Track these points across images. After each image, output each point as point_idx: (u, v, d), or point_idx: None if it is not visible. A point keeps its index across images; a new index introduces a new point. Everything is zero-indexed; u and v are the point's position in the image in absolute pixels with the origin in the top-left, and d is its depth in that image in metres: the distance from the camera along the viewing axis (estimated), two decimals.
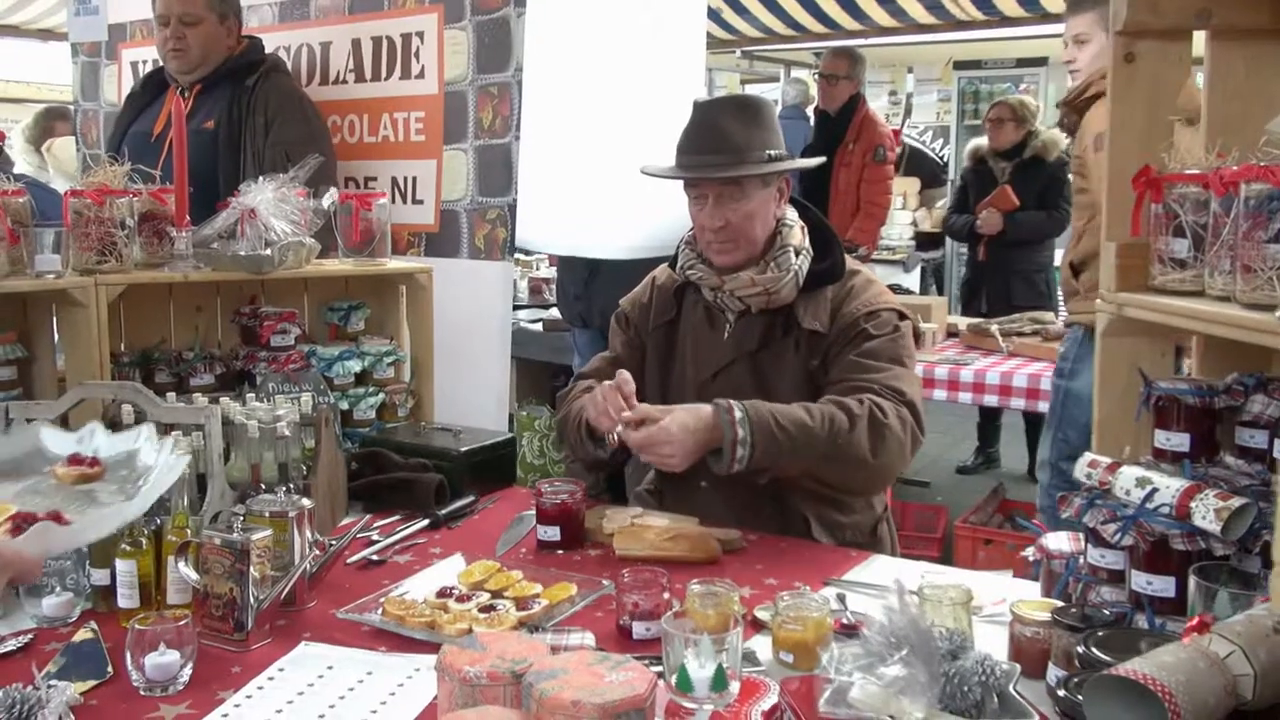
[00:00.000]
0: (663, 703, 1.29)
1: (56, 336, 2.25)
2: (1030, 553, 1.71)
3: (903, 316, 2.21)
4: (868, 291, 2.21)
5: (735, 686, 1.31)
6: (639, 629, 1.60)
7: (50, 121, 5.20)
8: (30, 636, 1.60)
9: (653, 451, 2.02)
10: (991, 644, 1.52)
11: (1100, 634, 1.28)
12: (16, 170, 5.65)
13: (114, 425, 2.04)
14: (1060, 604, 1.50)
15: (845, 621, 1.65)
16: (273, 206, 2.35)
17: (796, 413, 2.03)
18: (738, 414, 2.00)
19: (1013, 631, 1.50)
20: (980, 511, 4.55)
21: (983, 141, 5.69)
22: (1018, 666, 1.24)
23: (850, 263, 2.26)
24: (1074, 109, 3.46)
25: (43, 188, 3.83)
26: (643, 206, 3.50)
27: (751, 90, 11.12)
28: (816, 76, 5.92)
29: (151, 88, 3.27)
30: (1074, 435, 3.49)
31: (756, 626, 1.67)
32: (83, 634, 1.57)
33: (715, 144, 2.12)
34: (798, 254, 2.18)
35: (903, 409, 2.08)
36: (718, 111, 2.16)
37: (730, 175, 2.11)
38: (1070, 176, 4.04)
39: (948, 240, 8.53)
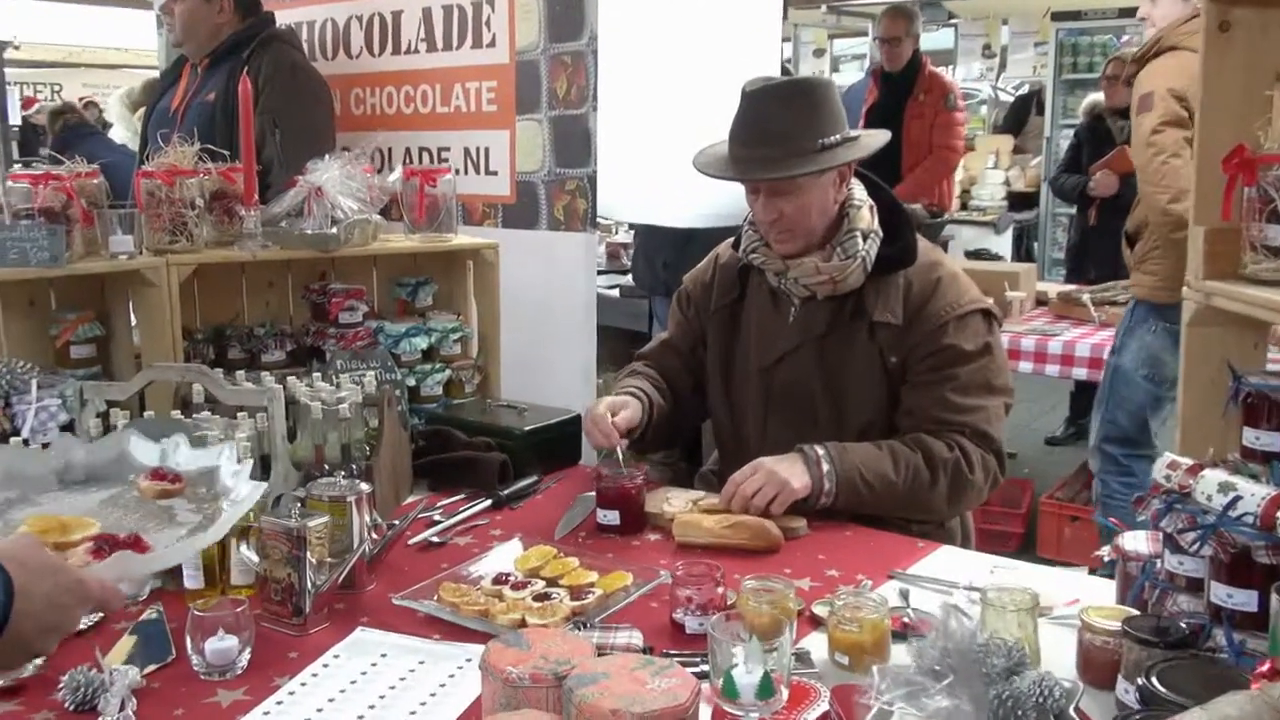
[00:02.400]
0: (709, 709, 1.27)
1: (133, 315, 2.30)
2: (1106, 552, 1.63)
3: (989, 315, 2.12)
4: (955, 287, 2.11)
5: (784, 693, 1.27)
6: (692, 624, 1.58)
7: (146, 93, 5.35)
8: (100, 615, 1.65)
9: (765, 484, 1.96)
10: (1060, 649, 1.46)
11: (1165, 664, 1.20)
12: (114, 133, 5.85)
13: (185, 405, 2.08)
14: (1134, 612, 1.43)
15: (906, 620, 1.60)
16: (339, 184, 2.35)
17: (883, 467, 2.00)
18: (825, 466, 1.98)
19: (1082, 639, 1.43)
20: (1068, 487, 4.42)
21: (1100, 97, 5.50)
22: (1080, 687, 1.18)
23: (928, 250, 2.16)
24: (1140, 65, 3.30)
25: (132, 155, 3.94)
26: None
27: (839, 45, 10.85)
28: (877, 41, 5.85)
29: (177, 65, 3.37)
30: (1122, 417, 3.38)
31: (814, 623, 1.62)
32: (149, 614, 1.61)
33: (763, 136, 2.03)
34: (865, 238, 2.09)
35: (990, 458, 2.06)
36: (766, 101, 2.05)
37: (775, 177, 2.03)
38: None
39: (1042, 201, 8.25)
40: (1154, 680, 1.16)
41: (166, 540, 1.56)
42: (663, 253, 4.05)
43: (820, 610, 1.63)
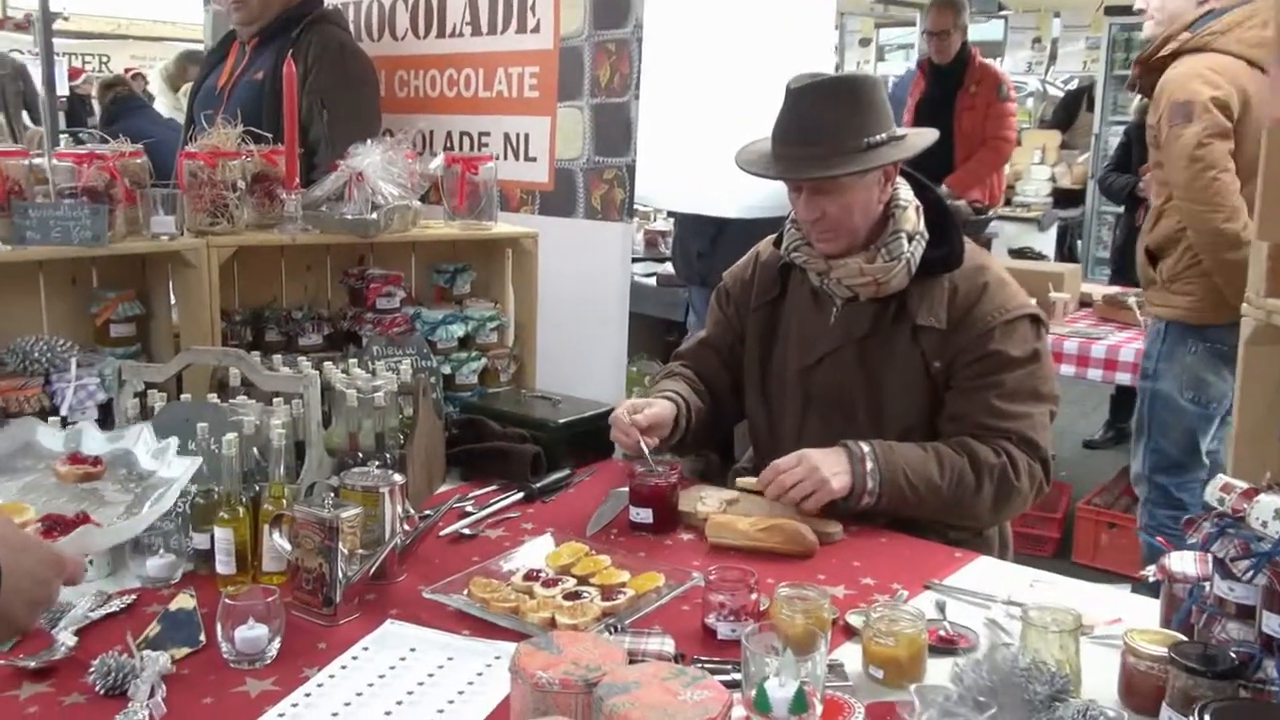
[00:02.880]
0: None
1: (172, 295, 2.30)
2: (1151, 572, 1.58)
3: (1037, 320, 2.07)
4: (1003, 292, 2.06)
5: (818, 708, 1.25)
6: (724, 629, 1.55)
7: (185, 64, 5.37)
8: (134, 597, 1.65)
9: (805, 478, 1.93)
10: (1102, 671, 1.43)
11: (1219, 703, 1.16)
12: (158, 106, 5.88)
13: (222, 388, 2.09)
14: (1180, 637, 1.39)
15: (943, 634, 1.57)
16: (380, 170, 2.34)
17: (928, 469, 1.97)
18: (869, 465, 1.95)
19: (1125, 662, 1.40)
20: (1106, 492, 4.35)
21: None
22: (1124, 716, 1.14)
23: (975, 253, 2.12)
24: (1150, 68, 3.07)
25: (178, 130, 3.95)
26: None
27: (885, 34, 10.72)
28: (925, 34, 5.77)
29: (224, 43, 3.34)
30: (1167, 444, 3.20)
31: (848, 633, 1.60)
32: (180, 601, 1.61)
33: (806, 135, 1.99)
34: (911, 239, 2.04)
35: (1036, 466, 2.02)
36: (811, 98, 2.00)
37: (818, 176, 1.99)
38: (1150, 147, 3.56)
39: (1088, 198, 8.11)
40: None
41: (108, 518, 1.57)
42: (697, 242, 4.02)
43: (855, 620, 1.60)
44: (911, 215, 2.07)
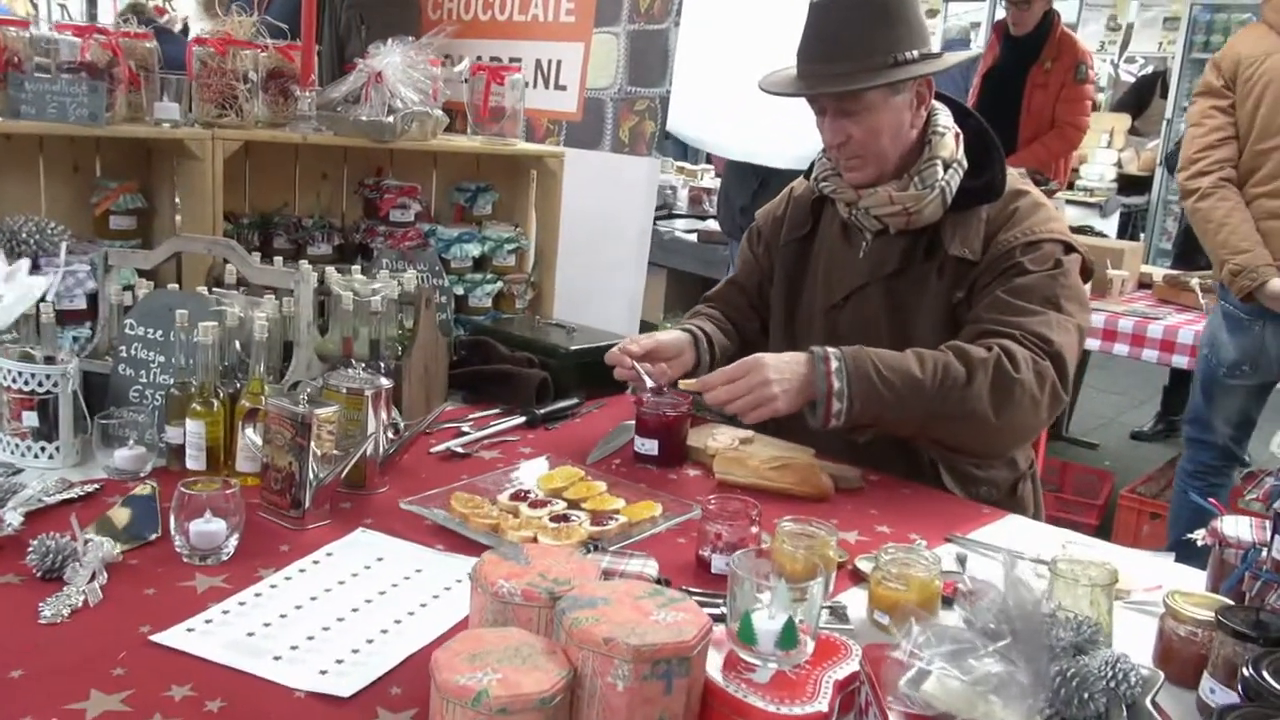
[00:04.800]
0: (720, 654, 1.11)
1: (178, 197, 2.20)
2: (1200, 536, 1.42)
3: (1070, 250, 1.87)
4: (1032, 217, 1.87)
5: (809, 645, 1.11)
6: (718, 563, 1.42)
7: None
8: (97, 487, 1.56)
9: (748, 391, 1.74)
10: (1136, 639, 1.27)
11: (1273, 658, 1.01)
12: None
13: (218, 284, 1.98)
14: (1229, 603, 1.23)
15: (960, 587, 1.41)
16: (400, 73, 2.22)
17: (904, 362, 1.76)
18: (834, 363, 1.75)
19: (1163, 627, 1.24)
20: (1152, 483, 4.14)
21: None
22: (1160, 675, 1.00)
23: (1015, 180, 1.94)
24: None
25: None
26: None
27: (954, 10, 10.36)
28: (1006, 3, 5.39)
29: None
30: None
31: (856, 578, 1.46)
32: (142, 489, 1.50)
33: (828, 50, 1.82)
34: (947, 167, 1.87)
35: (1043, 361, 1.77)
36: (836, 10, 1.83)
37: (837, 90, 1.82)
38: None
39: (1155, 186, 7.80)
40: (1264, 673, 0.96)
41: None
42: (740, 195, 3.86)
43: (864, 566, 1.46)
44: (949, 142, 1.90)
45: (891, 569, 1.31)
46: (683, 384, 1.88)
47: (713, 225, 5.10)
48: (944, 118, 1.92)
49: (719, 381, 1.77)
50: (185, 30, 6.10)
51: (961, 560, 1.52)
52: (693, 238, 5.19)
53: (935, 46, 1.88)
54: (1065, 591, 1.23)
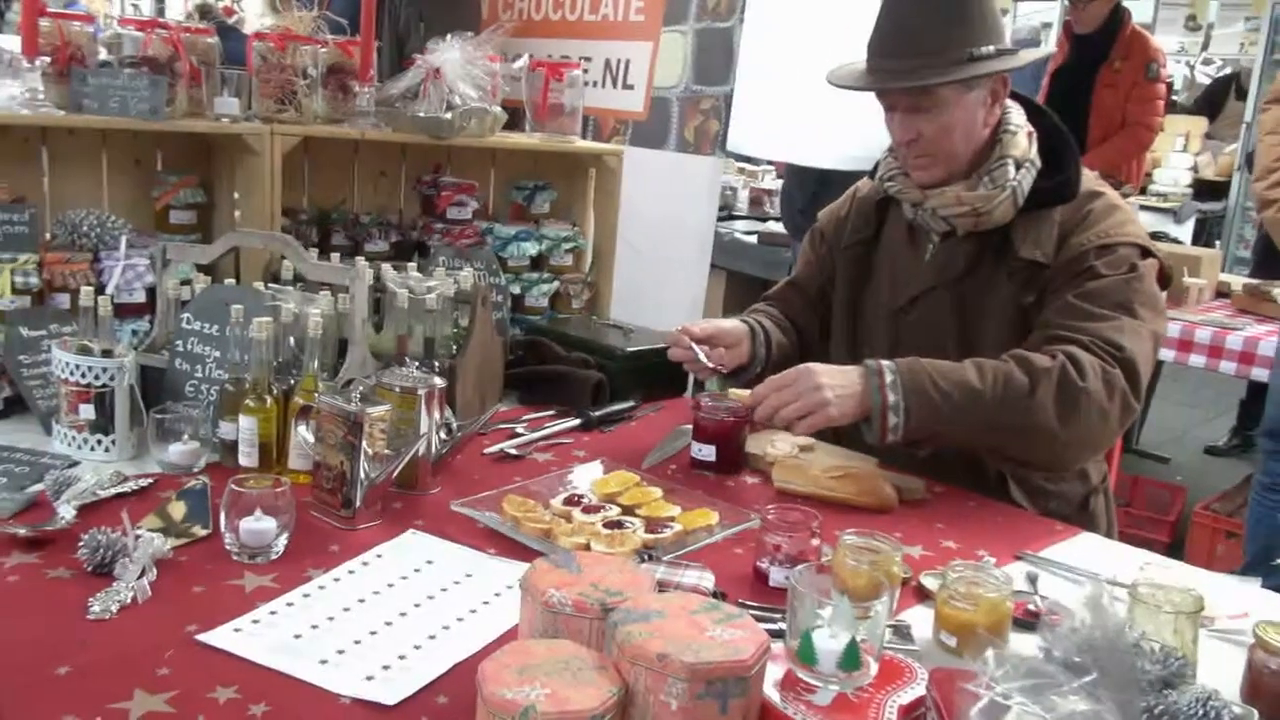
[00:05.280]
0: (778, 672, 1.06)
1: (236, 192, 2.20)
2: None
3: (1146, 254, 1.79)
4: (1108, 219, 1.79)
5: (873, 667, 1.06)
6: (777, 575, 1.37)
7: None
8: (150, 481, 1.55)
9: (797, 398, 1.67)
10: (1221, 672, 1.19)
11: None
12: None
13: (275, 279, 1.97)
14: None
15: (1031, 608, 1.35)
16: (459, 69, 2.19)
17: (962, 373, 1.69)
18: (888, 376, 1.68)
19: (1252, 659, 1.16)
20: (1227, 500, 3.98)
21: None
22: (1254, 713, 0.92)
23: (1091, 181, 1.85)
24: None
25: None
26: (877, 111, 3.15)
27: (1039, 5, 10.13)
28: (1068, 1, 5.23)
29: None
30: None
31: (921, 595, 1.39)
32: (194, 484, 1.49)
33: (901, 45, 1.75)
34: (1019, 167, 1.79)
35: (1113, 369, 1.68)
36: (909, 3, 1.77)
37: (910, 85, 1.74)
38: None
39: (1233, 192, 7.55)
40: None
41: None
42: (800, 196, 3.79)
43: (930, 583, 1.40)
44: (1022, 140, 1.82)
45: (959, 588, 1.25)
46: (733, 393, 1.84)
47: (774, 227, 5.04)
48: (1017, 115, 1.85)
49: (767, 391, 1.72)
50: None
51: (1033, 580, 1.45)
52: (753, 239, 5.13)
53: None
54: (1147, 618, 1.16)
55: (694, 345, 1.86)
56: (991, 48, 1.74)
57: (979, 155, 1.82)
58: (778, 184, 5.22)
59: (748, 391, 1.78)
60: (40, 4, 1.87)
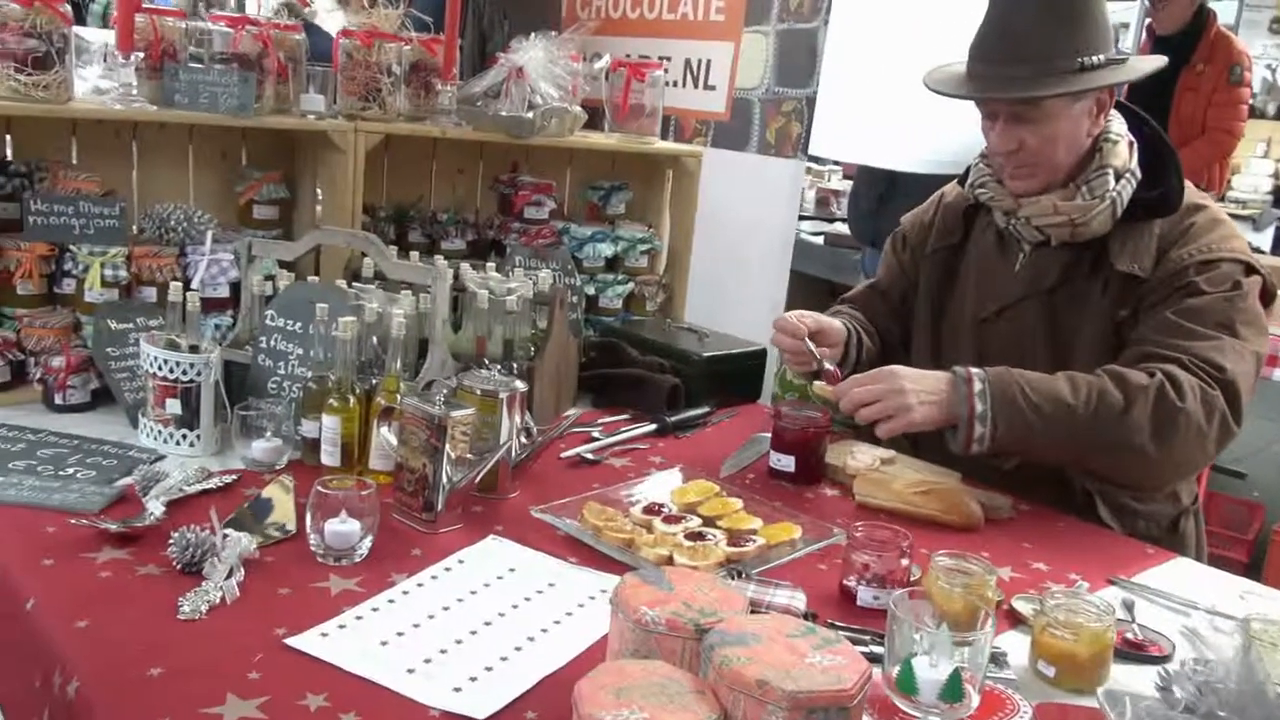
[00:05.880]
0: (875, 699, 1.03)
1: (318, 189, 2.21)
2: None
3: (1251, 271, 1.72)
4: (1210, 234, 1.72)
5: (974, 699, 1.03)
6: (865, 595, 1.34)
7: None
8: (234, 478, 1.56)
9: (881, 398, 1.65)
10: None
11: None
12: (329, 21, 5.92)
13: (355, 277, 1.98)
14: None
15: (1131, 637, 1.31)
16: (541, 68, 2.18)
17: (1054, 386, 1.63)
18: (977, 385, 1.63)
19: None
20: None
21: None
22: None
23: (1193, 194, 1.78)
24: None
25: None
26: (951, 113, 3.09)
27: (1116, 6, 9.90)
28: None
29: None
30: None
31: (1012, 620, 1.35)
32: (271, 490, 1.48)
33: (1009, 50, 1.69)
34: (1119, 177, 1.73)
35: (1213, 391, 1.62)
36: (1017, 7, 1.70)
37: (1021, 96, 1.69)
38: None
39: None
40: None
41: None
42: (867, 198, 3.72)
43: (1023, 607, 1.36)
44: (1123, 150, 1.76)
45: (1059, 615, 1.21)
46: (817, 387, 1.79)
47: (840, 228, 4.97)
48: (1117, 124, 1.79)
49: (850, 387, 1.69)
50: None
51: (1129, 607, 1.40)
52: (819, 240, 5.06)
53: None
54: (1263, 656, 1.11)
55: (808, 341, 1.81)
56: (1102, 56, 1.68)
57: (1078, 166, 1.76)
58: (845, 184, 5.15)
59: (831, 388, 1.74)
60: (137, 0, 1.88)
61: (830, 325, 1.87)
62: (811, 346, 1.80)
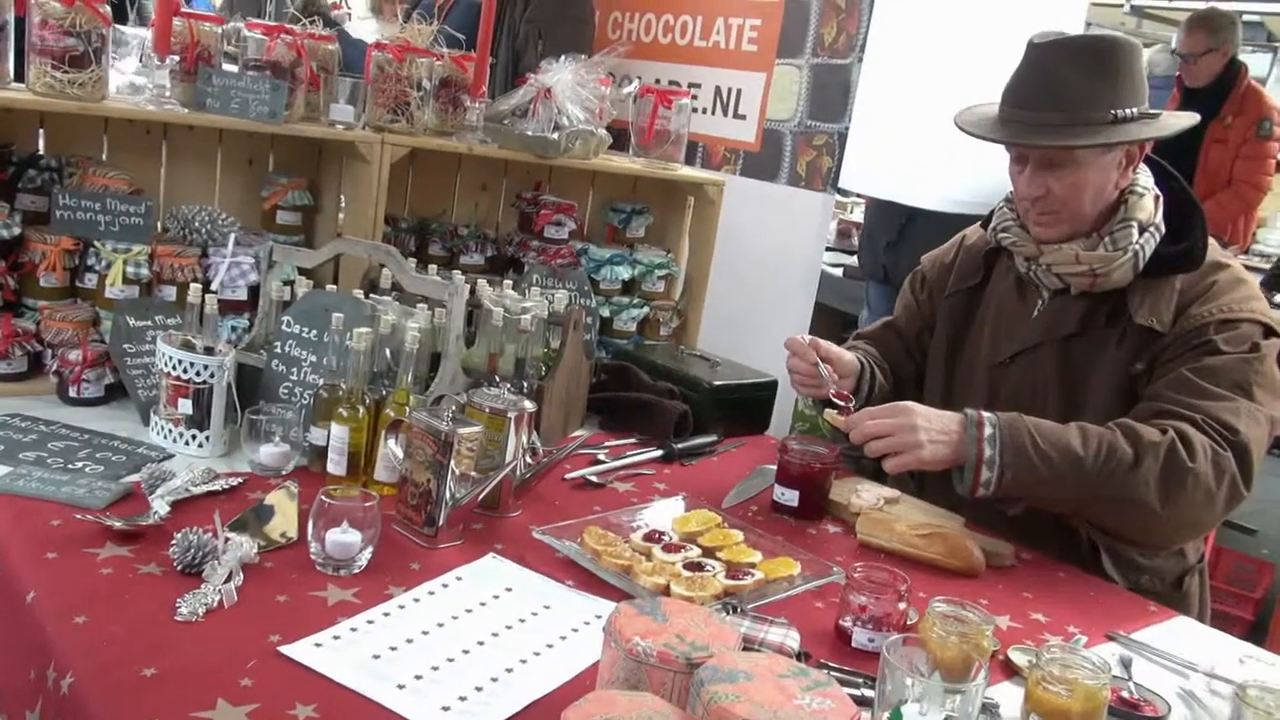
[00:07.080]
0: None
1: (342, 196, 2.23)
2: None
3: (1271, 334, 1.71)
4: (1232, 293, 1.72)
5: None
6: (860, 637, 1.33)
7: None
8: (240, 481, 1.57)
9: (893, 433, 1.65)
10: None
11: None
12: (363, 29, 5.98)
13: (373, 288, 1.99)
14: None
15: (1126, 696, 1.30)
16: (569, 90, 2.20)
17: (1065, 436, 1.63)
18: (987, 429, 1.63)
19: None
20: None
21: None
22: None
23: (1217, 251, 1.78)
24: None
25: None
26: (975, 154, 3.09)
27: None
28: (1174, 55, 5.07)
29: None
30: None
31: (1008, 670, 1.35)
32: (274, 496, 1.49)
33: (1044, 98, 1.69)
34: (1143, 230, 1.73)
35: (1225, 452, 1.61)
36: (1054, 57, 1.70)
37: (1052, 145, 1.69)
38: None
39: None
40: None
41: None
42: (885, 233, 3.72)
43: (1019, 658, 1.35)
44: (1148, 204, 1.76)
45: (1053, 670, 1.20)
46: (828, 414, 1.80)
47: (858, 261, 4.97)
48: (1144, 178, 1.79)
49: (863, 419, 1.69)
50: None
51: (1126, 664, 1.40)
52: (838, 272, 5.06)
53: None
54: None
55: (820, 364, 1.82)
56: (1135, 110, 1.69)
57: (1103, 216, 1.76)
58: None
59: (843, 419, 1.75)
60: (175, 3, 1.91)
61: (838, 355, 1.88)
62: (824, 368, 1.81)
